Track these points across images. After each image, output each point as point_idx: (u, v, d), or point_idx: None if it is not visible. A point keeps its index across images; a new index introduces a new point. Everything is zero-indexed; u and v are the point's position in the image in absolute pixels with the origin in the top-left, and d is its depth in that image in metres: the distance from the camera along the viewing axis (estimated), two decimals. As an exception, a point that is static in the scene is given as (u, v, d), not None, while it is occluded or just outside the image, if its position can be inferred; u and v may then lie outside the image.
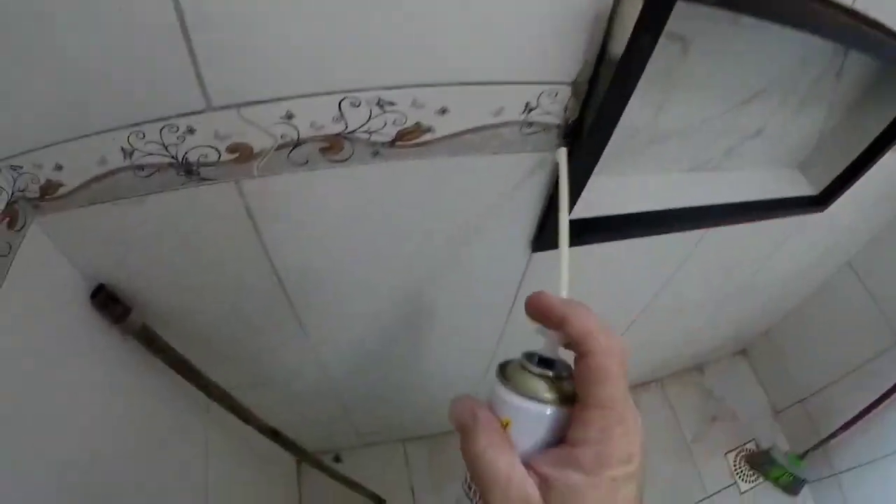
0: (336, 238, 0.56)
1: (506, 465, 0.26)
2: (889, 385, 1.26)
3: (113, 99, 0.36)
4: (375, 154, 0.45)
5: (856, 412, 1.34)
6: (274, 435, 0.90)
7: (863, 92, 0.79)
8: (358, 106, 0.41)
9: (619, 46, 0.40)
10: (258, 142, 0.41)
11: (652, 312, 1.10)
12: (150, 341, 0.57)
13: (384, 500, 1.31)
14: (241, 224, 0.50)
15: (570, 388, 0.28)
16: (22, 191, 0.41)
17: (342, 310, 0.70)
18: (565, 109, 0.47)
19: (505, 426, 0.28)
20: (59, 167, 0.40)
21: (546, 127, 0.48)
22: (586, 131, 0.47)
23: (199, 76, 0.35)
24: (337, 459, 1.40)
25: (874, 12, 0.51)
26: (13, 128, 0.37)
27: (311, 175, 0.46)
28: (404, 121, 0.43)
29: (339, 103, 0.40)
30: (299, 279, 0.61)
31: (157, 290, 0.57)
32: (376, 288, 0.68)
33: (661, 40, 0.40)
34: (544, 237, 0.64)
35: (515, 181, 0.55)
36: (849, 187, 0.84)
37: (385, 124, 0.43)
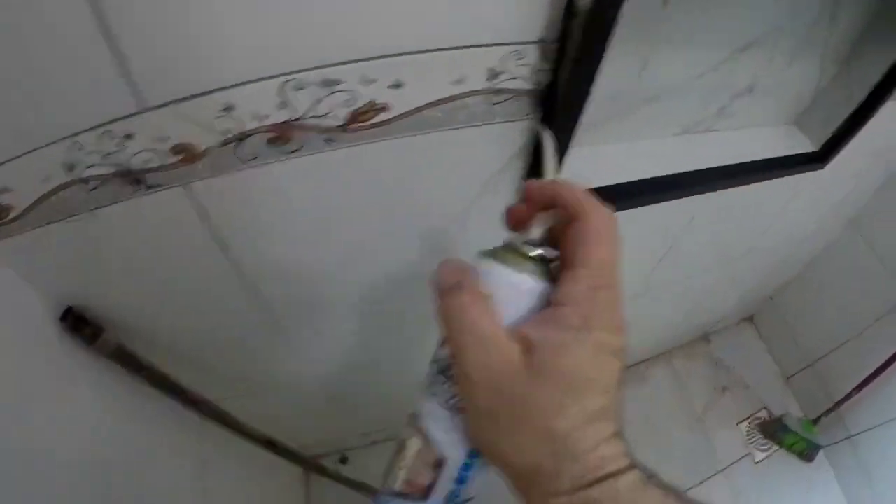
0: (304, 233, 0.52)
1: (489, 323, 0.25)
2: (900, 343, 1.23)
3: (45, 111, 0.34)
4: (329, 140, 0.42)
5: (867, 373, 1.31)
6: (270, 445, 0.88)
7: (859, 36, 0.75)
8: (301, 89, 0.37)
9: (587, -6, 0.36)
10: (201, 140, 0.38)
11: (653, 284, 1.07)
12: (127, 361, 0.55)
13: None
14: (196, 230, 0.46)
15: (556, 271, 0.28)
16: (-28, 220, 0.39)
17: (323, 307, 0.67)
18: (535, 72, 0.42)
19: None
20: (6, 189, 0.38)
21: (516, 93, 0.44)
22: (561, 95, 0.43)
23: (125, 74, 0.32)
24: (343, 461, 1.38)
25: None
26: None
27: (263, 170, 0.42)
28: (356, 100, 0.39)
29: (281, 88, 0.37)
30: (273, 280, 0.57)
31: (128, 308, 0.54)
32: (356, 281, 0.64)
33: (635, -16, 0.36)
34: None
35: (490, 155, 0.50)
36: (849, 141, 0.80)
37: (334, 106, 0.39)
